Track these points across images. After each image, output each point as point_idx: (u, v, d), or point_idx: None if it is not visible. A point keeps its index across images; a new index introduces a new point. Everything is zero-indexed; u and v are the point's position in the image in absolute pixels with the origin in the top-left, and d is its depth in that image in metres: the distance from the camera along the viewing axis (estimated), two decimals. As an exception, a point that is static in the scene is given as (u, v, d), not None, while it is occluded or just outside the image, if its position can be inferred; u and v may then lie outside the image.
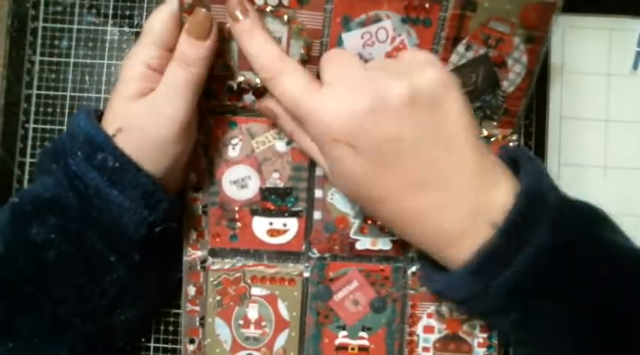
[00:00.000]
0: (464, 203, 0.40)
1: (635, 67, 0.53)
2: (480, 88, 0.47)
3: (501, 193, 0.40)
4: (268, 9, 0.44)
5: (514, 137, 0.49)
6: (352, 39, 0.45)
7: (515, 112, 0.48)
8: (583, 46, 0.54)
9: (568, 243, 0.39)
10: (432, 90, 0.39)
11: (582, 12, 0.53)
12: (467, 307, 0.44)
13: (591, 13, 0.54)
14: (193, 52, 0.42)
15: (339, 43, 0.45)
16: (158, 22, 0.43)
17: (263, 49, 0.42)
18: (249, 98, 0.48)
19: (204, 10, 0.43)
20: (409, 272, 0.50)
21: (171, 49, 0.43)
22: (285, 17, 0.44)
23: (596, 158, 0.53)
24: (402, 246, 0.50)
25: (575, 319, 0.40)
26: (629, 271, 0.41)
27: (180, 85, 0.42)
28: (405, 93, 0.39)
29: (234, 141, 0.49)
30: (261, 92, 0.47)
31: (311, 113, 0.40)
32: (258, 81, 0.47)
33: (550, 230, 0.38)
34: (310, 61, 0.46)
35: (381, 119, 0.39)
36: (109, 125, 0.43)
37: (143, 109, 0.43)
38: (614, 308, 0.39)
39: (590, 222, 0.42)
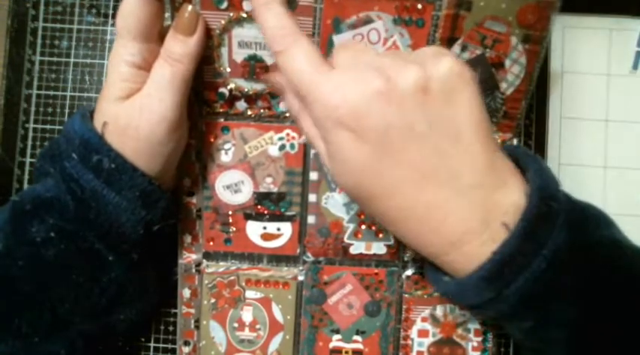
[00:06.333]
0: (472, 201, 0.34)
1: (635, 67, 0.50)
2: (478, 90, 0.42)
3: (511, 192, 0.35)
4: None
5: (514, 141, 0.45)
6: (343, 41, 0.41)
7: (515, 115, 0.44)
8: (583, 46, 0.50)
9: (584, 244, 0.35)
10: (446, 80, 0.34)
11: (582, 12, 0.50)
12: (477, 311, 0.39)
13: (591, 13, 0.50)
14: (179, 47, 0.40)
15: (329, 44, 0.41)
16: (127, 14, 0.39)
17: (277, 22, 0.37)
18: (241, 105, 0.44)
19: (190, 6, 0.40)
20: (404, 275, 0.45)
21: (150, 41, 0.40)
22: None
23: (596, 158, 0.50)
24: (396, 250, 0.45)
25: (591, 324, 0.35)
26: None
27: (167, 82, 0.39)
28: (418, 80, 0.34)
29: (227, 146, 0.45)
30: (253, 99, 0.44)
31: (318, 92, 0.35)
32: (249, 88, 0.43)
33: (565, 230, 0.34)
34: None
35: (392, 104, 0.33)
36: (98, 127, 0.40)
37: (134, 109, 0.39)
38: (631, 313, 0.35)
39: (601, 222, 0.37)
